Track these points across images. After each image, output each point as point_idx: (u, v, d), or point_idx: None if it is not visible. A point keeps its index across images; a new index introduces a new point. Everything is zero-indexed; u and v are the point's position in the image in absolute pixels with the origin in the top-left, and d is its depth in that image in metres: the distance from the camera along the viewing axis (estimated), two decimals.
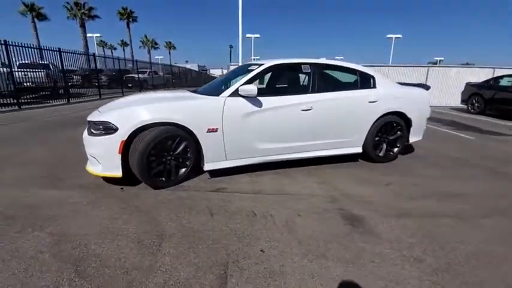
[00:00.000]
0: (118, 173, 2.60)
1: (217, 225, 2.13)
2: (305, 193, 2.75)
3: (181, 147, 2.80)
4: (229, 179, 3.05)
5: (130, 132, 2.54)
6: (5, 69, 8.75)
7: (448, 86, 11.78)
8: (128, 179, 2.70)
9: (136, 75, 16.82)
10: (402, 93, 3.68)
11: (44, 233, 1.98)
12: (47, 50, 10.21)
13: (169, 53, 52.75)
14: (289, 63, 3.33)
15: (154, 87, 18.07)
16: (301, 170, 3.36)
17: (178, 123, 2.65)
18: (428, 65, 11.52)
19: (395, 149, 3.80)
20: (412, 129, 3.80)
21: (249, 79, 2.99)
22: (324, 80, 3.33)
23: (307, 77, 3.28)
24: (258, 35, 27.70)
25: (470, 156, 4.21)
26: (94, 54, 12.75)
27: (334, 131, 3.35)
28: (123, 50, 44.67)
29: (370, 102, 3.41)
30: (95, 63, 12.50)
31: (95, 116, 2.72)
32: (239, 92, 2.84)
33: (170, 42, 52.05)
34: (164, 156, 2.74)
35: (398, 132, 3.73)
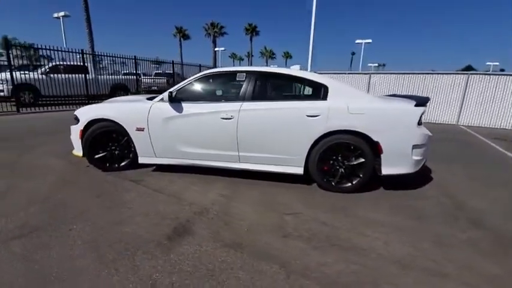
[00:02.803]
0: (80, 153, 3.51)
1: (83, 204, 2.59)
2: (192, 200, 2.75)
3: (123, 141, 3.44)
4: (158, 175, 3.43)
5: (85, 123, 3.38)
6: (134, 77, 12.42)
7: None
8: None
9: None
10: (364, 108, 2.84)
11: None
12: (163, 62, 13.52)
13: (286, 62, 56.13)
14: (224, 72, 3.31)
15: None
16: (230, 181, 3.27)
17: (112, 119, 3.28)
18: None
19: (356, 180, 2.98)
20: (384, 156, 2.87)
21: (181, 86, 3.25)
22: (258, 88, 3.10)
23: (239, 85, 3.15)
24: (369, 40, 25.03)
25: (501, 212, 2.68)
26: (200, 65, 15.65)
27: (262, 145, 3.06)
28: (248, 60, 51.09)
29: (309, 116, 2.88)
30: (200, 71, 15.36)
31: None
32: (163, 98, 3.18)
33: (287, 52, 55.44)
34: (109, 146, 3.46)
35: (361, 158, 2.91)
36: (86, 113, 3.43)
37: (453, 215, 2.63)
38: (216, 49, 30.54)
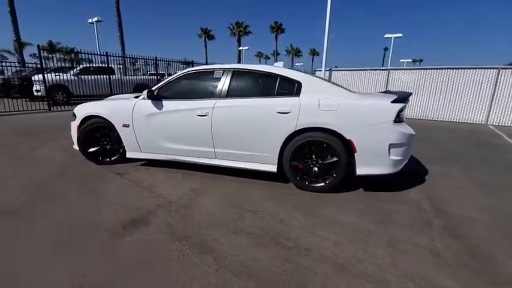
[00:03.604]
0: (77, 147, 3.81)
1: (66, 192, 2.83)
2: (163, 193, 2.86)
3: (114, 136, 3.66)
4: (144, 169, 3.61)
5: (80, 120, 3.67)
6: (155, 77, 13.06)
7: None
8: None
9: None
10: (336, 105, 2.72)
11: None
12: (185, 62, 14.00)
13: (312, 59, 54.96)
14: (203, 70, 3.36)
15: None
16: (210, 177, 3.34)
17: (102, 116, 3.52)
18: None
19: (330, 179, 2.87)
20: (358, 155, 2.74)
21: (162, 85, 3.38)
22: (232, 85, 3.12)
23: (216, 83, 3.20)
24: (400, 34, 23.51)
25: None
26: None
27: (236, 141, 3.08)
28: (274, 59, 50.78)
29: (279, 112, 2.85)
30: None
31: None
32: (144, 97, 3.34)
33: (314, 50, 54.13)
34: (101, 141, 3.71)
35: (334, 157, 2.81)
36: (82, 110, 3.72)
37: (428, 221, 2.43)
38: (239, 48, 30.94)
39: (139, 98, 3.45)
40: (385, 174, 2.81)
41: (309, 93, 2.86)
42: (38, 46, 8.52)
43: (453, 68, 8.34)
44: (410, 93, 2.87)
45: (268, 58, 58.20)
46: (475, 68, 8.05)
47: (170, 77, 3.43)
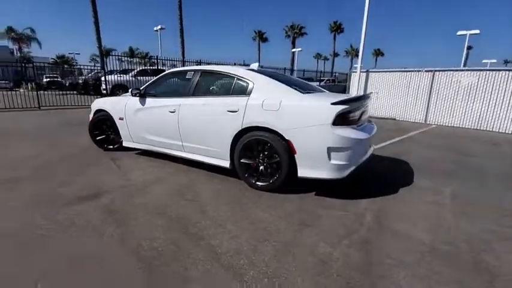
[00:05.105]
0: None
1: (64, 170, 3.54)
2: (133, 178, 3.33)
3: (115, 127, 4.34)
4: (136, 157, 4.19)
5: (93, 112, 4.46)
6: None
7: None
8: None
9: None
10: (277, 104, 2.72)
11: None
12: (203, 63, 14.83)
13: (376, 60, 50.87)
14: (179, 71, 3.72)
15: None
16: (183, 168, 3.70)
17: (106, 110, 4.22)
18: None
19: (274, 179, 2.89)
20: (298, 157, 2.70)
21: (150, 84, 3.88)
22: (198, 85, 3.40)
23: (187, 83, 3.51)
24: (477, 31, 19.98)
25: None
26: (262, 66, 16.36)
27: (196, 136, 3.35)
28: (333, 60, 48.83)
29: (229, 111, 3.00)
30: None
31: None
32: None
33: (378, 50, 49.95)
34: (106, 131, 4.43)
35: (277, 157, 2.82)
36: (95, 104, 4.51)
37: (353, 231, 2.27)
38: (292, 50, 30.95)
39: (131, 96, 4.02)
40: (328, 179, 2.69)
41: (258, 93, 2.94)
42: (101, 52, 10.27)
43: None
44: (365, 95, 2.68)
45: (327, 59, 56.26)
46: None
47: (155, 77, 3.91)
